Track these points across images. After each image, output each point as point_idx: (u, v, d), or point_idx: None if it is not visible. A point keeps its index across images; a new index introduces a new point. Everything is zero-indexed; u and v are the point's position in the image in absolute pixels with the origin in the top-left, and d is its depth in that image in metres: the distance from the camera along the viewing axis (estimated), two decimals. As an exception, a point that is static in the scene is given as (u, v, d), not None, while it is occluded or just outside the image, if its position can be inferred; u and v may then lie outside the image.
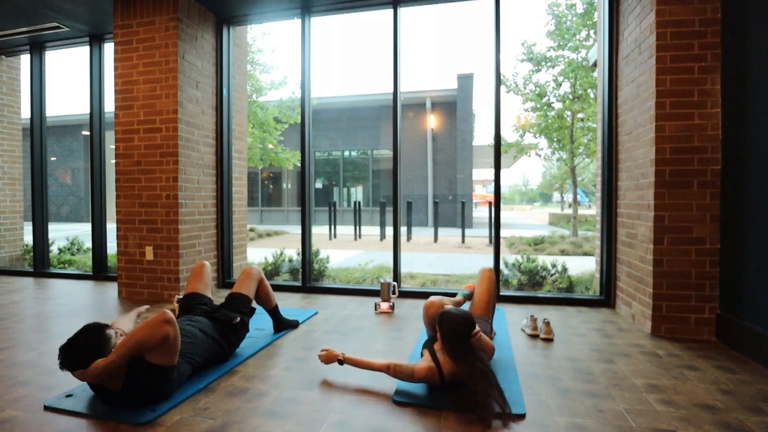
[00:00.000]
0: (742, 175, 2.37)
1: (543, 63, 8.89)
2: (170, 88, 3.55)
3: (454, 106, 14.59)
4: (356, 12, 3.87)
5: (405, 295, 3.69)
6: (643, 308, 2.78)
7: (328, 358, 2.02)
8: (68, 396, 1.81)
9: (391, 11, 3.69)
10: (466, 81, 14.44)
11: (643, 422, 1.62)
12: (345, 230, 11.47)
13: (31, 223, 4.91)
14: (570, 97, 8.63)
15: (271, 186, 17.59)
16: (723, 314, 2.51)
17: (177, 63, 3.53)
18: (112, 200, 4.10)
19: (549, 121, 8.85)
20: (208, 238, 3.98)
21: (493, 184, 3.83)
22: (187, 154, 3.66)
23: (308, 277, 3.98)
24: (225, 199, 4.12)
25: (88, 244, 5.42)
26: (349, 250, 8.11)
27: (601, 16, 3.39)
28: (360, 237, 10.33)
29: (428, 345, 1.95)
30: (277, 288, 3.97)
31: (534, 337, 2.64)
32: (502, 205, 4.39)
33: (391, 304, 3.21)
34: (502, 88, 4.82)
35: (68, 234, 7.76)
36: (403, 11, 3.71)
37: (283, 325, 2.74)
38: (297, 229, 6.80)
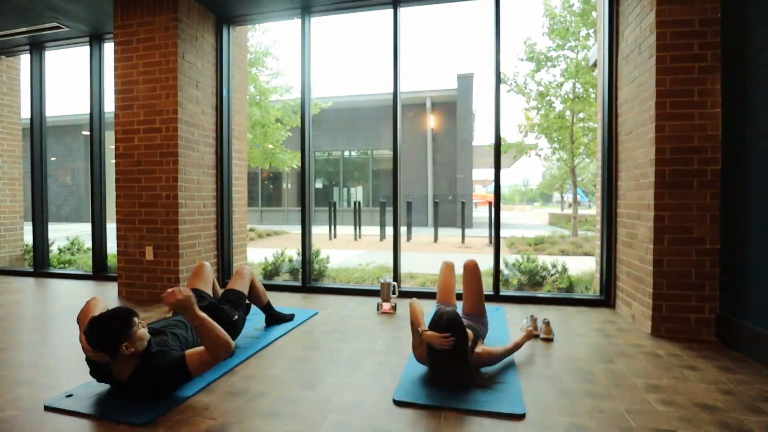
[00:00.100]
0: (742, 175, 2.37)
1: (544, 62, 8.89)
2: (170, 88, 3.55)
3: (454, 106, 14.59)
4: (356, 12, 3.87)
5: (405, 295, 3.69)
6: (643, 308, 2.78)
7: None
8: (68, 396, 1.81)
9: (391, 11, 3.69)
10: (466, 81, 14.44)
11: (643, 422, 1.62)
12: (345, 230, 11.47)
13: (31, 223, 4.91)
14: (570, 96, 8.63)
15: (271, 186, 17.58)
16: (723, 314, 2.51)
17: (177, 63, 3.53)
18: (112, 200, 4.10)
19: (550, 120, 8.85)
20: (208, 238, 3.98)
21: (493, 184, 3.83)
22: (187, 154, 3.66)
23: (308, 277, 3.98)
24: (225, 199, 4.12)
25: (88, 244, 5.41)
26: (349, 250, 8.10)
27: (601, 16, 3.39)
28: (360, 237, 10.33)
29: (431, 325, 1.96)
30: (277, 288, 3.98)
31: (534, 337, 2.63)
32: (502, 205, 4.39)
33: (393, 304, 3.21)
34: (503, 88, 4.81)
35: (68, 234, 7.76)
36: (403, 11, 3.71)
37: (275, 319, 2.80)
38: (297, 229, 6.78)
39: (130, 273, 3.72)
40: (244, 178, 4.57)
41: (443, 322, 1.87)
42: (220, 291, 2.59)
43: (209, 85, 3.97)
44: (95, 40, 4.43)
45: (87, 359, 1.77)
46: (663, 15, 2.60)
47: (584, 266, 4.90)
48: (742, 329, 2.32)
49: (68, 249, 5.90)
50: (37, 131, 4.85)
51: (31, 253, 5.08)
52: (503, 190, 25.35)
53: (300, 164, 4.65)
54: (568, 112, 8.82)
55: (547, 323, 2.61)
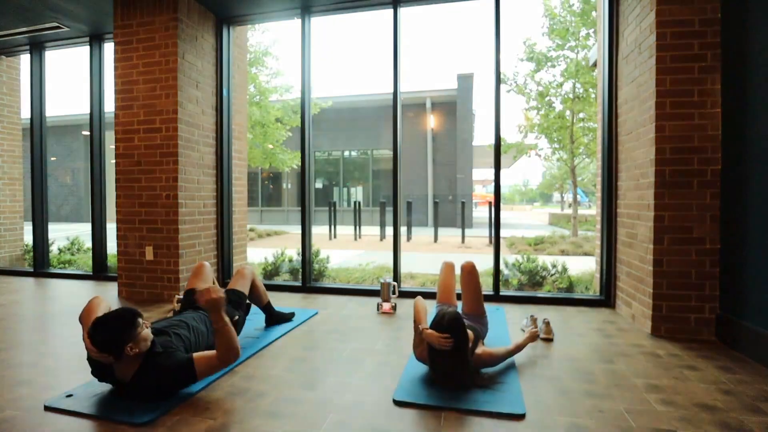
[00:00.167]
0: (742, 175, 2.37)
1: (543, 63, 8.88)
2: (170, 88, 3.55)
3: (454, 106, 14.59)
4: (356, 12, 3.87)
5: (405, 295, 3.69)
6: (643, 308, 2.78)
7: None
8: (68, 396, 1.81)
9: (391, 11, 3.69)
10: (466, 81, 14.44)
11: (643, 422, 1.62)
12: (345, 230, 11.47)
13: (31, 223, 4.91)
14: (570, 97, 8.63)
15: (271, 186, 17.58)
16: (723, 314, 2.51)
17: (177, 63, 3.53)
18: (112, 200, 4.10)
19: (550, 120, 8.85)
20: (208, 238, 3.98)
21: (493, 184, 3.83)
22: (187, 154, 3.66)
23: (308, 277, 3.98)
24: (225, 199, 4.12)
25: (88, 244, 5.41)
26: (349, 250, 8.10)
27: (601, 16, 3.39)
28: (360, 237, 10.33)
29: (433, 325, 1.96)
30: (277, 288, 3.98)
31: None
32: (502, 205, 4.39)
33: (393, 304, 3.21)
34: (503, 88, 4.81)
35: (68, 234, 7.76)
36: (403, 11, 3.71)
37: (275, 319, 2.80)
38: (297, 229, 6.78)
39: (130, 273, 3.72)
40: (244, 178, 4.57)
41: (444, 322, 1.87)
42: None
43: (209, 85, 3.97)
44: (95, 40, 4.43)
45: (89, 359, 1.76)
46: (663, 15, 2.60)
47: (584, 266, 4.90)
48: (742, 329, 2.32)
49: (68, 249, 5.90)
50: (37, 131, 4.85)
51: (31, 253, 5.08)
52: (503, 190, 25.35)
53: (300, 164, 4.65)
54: (568, 112, 8.82)
55: (547, 323, 2.61)
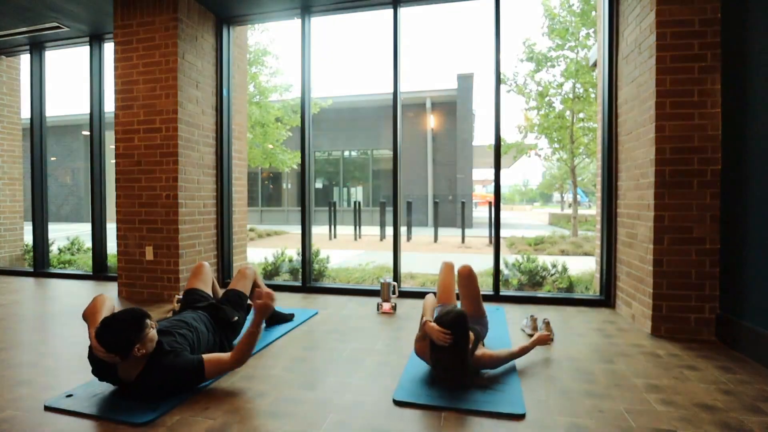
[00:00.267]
0: (742, 175, 2.37)
1: (543, 63, 8.89)
2: (170, 88, 3.55)
3: (454, 106, 14.59)
4: (356, 12, 3.87)
5: (405, 295, 3.69)
6: (643, 308, 2.78)
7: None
8: (68, 396, 1.81)
9: (391, 11, 3.69)
10: (466, 81, 14.44)
11: (643, 422, 1.62)
12: (345, 230, 11.47)
13: (31, 223, 4.91)
14: (570, 97, 8.63)
15: (271, 186, 17.59)
16: (723, 314, 2.51)
17: (177, 63, 3.53)
18: (112, 200, 4.10)
19: (550, 120, 8.85)
20: (208, 238, 3.98)
21: (493, 184, 3.83)
22: (187, 154, 3.66)
23: (308, 277, 3.98)
24: (225, 199, 4.12)
25: (88, 244, 5.42)
26: (349, 250, 8.10)
27: (601, 16, 3.39)
28: (360, 237, 10.33)
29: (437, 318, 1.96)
30: (277, 288, 3.97)
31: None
32: (502, 205, 4.39)
33: (393, 304, 3.21)
34: (503, 88, 4.81)
35: (68, 234, 7.76)
36: (403, 11, 3.71)
37: (275, 319, 2.81)
38: (297, 229, 6.78)
39: (130, 273, 3.72)
40: (244, 178, 4.57)
41: (448, 318, 1.87)
42: (220, 291, 2.59)
43: (209, 85, 3.97)
44: (95, 40, 4.43)
45: (90, 357, 1.76)
46: (663, 15, 2.60)
47: (584, 266, 4.90)
48: (742, 329, 2.32)
49: (68, 249, 5.90)
50: (37, 131, 4.85)
51: (31, 253, 5.08)
52: (503, 190, 25.36)
53: (300, 164, 4.65)
54: (568, 112, 8.82)
55: (547, 323, 2.61)
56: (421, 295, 3.68)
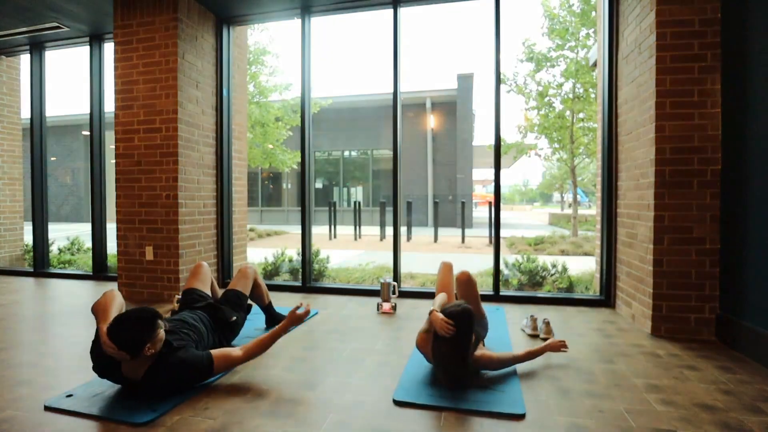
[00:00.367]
0: (742, 175, 2.37)
1: (543, 63, 8.89)
2: (170, 88, 3.55)
3: (454, 106, 14.59)
4: (356, 12, 3.87)
5: (405, 295, 3.69)
6: (643, 308, 2.78)
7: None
8: (68, 396, 1.81)
9: (391, 11, 3.69)
10: (466, 81, 14.44)
11: (643, 422, 1.62)
12: (345, 230, 11.47)
13: (31, 223, 4.91)
14: (570, 97, 8.63)
15: (271, 186, 17.59)
16: (723, 314, 2.51)
17: (177, 63, 3.53)
18: (112, 200, 4.10)
19: (550, 120, 8.85)
20: (208, 238, 3.98)
21: (493, 184, 3.83)
22: (187, 154, 3.66)
23: (308, 277, 3.98)
24: (225, 199, 4.12)
25: (88, 244, 5.41)
26: (349, 250, 8.10)
27: (601, 16, 3.39)
28: (360, 237, 10.33)
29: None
30: (277, 288, 3.98)
31: (534, 337, 2.64)
32: (502, 205, 4.39)
33: (393, 304, 3.21)
34: (503, 88, 4.81)
35: (68, 234, 7.76)
36: (403, 11, 3.71)
37: (276, 321, 2.79)
38: (297, 229, 6.78)
39: (130, 273, 3.72)
40: (244, 178, 4.57)
41: (454, 310, 1.88)
42: (220, 291, 2.59)
43: (209, 85, 3.97)
44: (95, 40, 4.43)
45: (94, 353, 1.77)
46: (663, 15, 2.60)
47: (584, 266, 4.90)
48: (742, 329, 2.32)
49: (68, 249, 5.90)
50: (37, 131, 4.85)
51: (31, 253, 5.08)
52: (503, 190, 25.36)
53: (300, 164, 4.65)
54: (568, 112, 8.82)
55: (547, 323, 2.61)
56: (421, 295, 3.68)
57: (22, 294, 3.83)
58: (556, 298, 3.50)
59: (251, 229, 10.87)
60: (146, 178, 3.63)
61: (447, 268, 2.61)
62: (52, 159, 17.76)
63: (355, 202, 11.28)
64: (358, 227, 10.49)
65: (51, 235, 5.24)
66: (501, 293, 3.55)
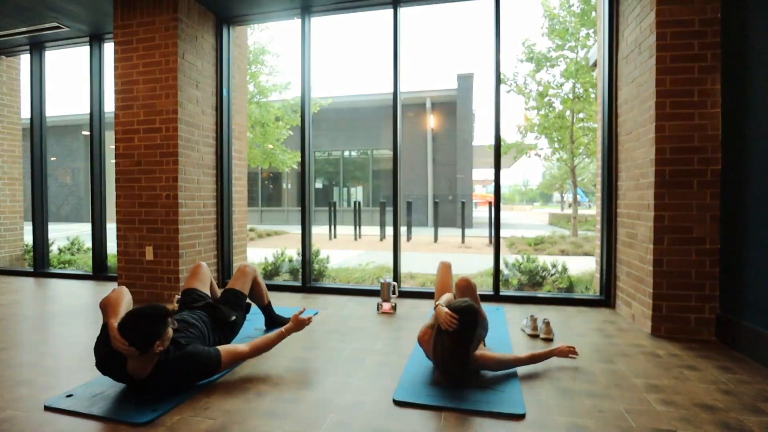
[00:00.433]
0: (742, 175, 2.37)
1: (543, 63, 8.89)
2: (170, 88, 3.55)
3: (454, 106, 14.59)
4: (356, 12, 3.87)
5: (405, 295, 3.69)
6: (643, 308, 2.78)
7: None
8: (68, 396, 1.81)
9: (391, 11, 3.70)
10: (466, 81, 14.44)
11: (643, 422, 1.62)
12: (345, 230, 11.47)
13: (31, 223, 4.91)
14: (570, 97, 8.63)
15: (271, 186, 17.59)
16: (723, 314, 2.51)
17: (177, 63, 3.53)
18: (112, 200, 4.10)
19: (550, 120, 8.85)
20: (208, 238, 3.98)
21: (493, 184, 3.83)
22: (187, 154, 3.66)
23: (308, 277, 3.98)
24: (225, 199, 4.12)
25: (88, 244, 5.42)
26: (349, 250, 8.10)
27: (601, 16, 3.39)
28: (360, 237, 10.33)
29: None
30: (277, 288, 3.98)
31: (534, 337, 2.64)
32: (502, 205, 4.39)
33: (393, 304, 3.21)
34: (503, 88, 4.82)
35: (68, 234, 7.76)
36: (403, 11, 3.71)
37: (275, 322, 2.78)
38: (297, 229, 6.79)
39: (130, 273, 3.72)
40: (244, 178, 4.57)
41: (459, 306, 1.89)
42: (219, 291, 2.58)
43: (209, 85, 3.97)
44: (95, 40, 4.43)
45: (99, 349, 1.78)
46: (663, 15, 2.60)
47: (584, 266, 4.90)
48: (742, 329, 2.32)
49: (68, 249, 5.90)
50: (37, 131, 4.85)
51: (31, 253, 5.08)
52: (503, 190, 25.36)
53: (300, 164, 4.65)
54: (568, 112, 8.82)
55: (547, 323, 2.61)
56: (421, 295, 3.69)
57: (22, 294, 3.84)
58: (556, 298, 3.50)
59: (251, 229, 10.87)
60: (146, 178, 3.63)
61: (446, 268, 2.61)
62: (52, 159, 17.76)
63: (355, 202, 11.28)
64: (358, 227, 10.49)
65: (51, 235, 5.24)
66: (501, 293, 3.55)
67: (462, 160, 14.58)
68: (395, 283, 3.35)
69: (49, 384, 1.96)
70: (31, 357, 2.30)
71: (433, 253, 7.58)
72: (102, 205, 4.53)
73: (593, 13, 8.04)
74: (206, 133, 3.93)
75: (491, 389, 1.87)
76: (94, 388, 1.88)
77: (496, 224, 3.62)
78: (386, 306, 3.20)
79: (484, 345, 2.13)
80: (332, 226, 10.42)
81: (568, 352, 2.14)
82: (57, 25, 4.15)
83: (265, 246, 8.49)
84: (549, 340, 2.57)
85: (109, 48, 4.43)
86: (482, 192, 34.04)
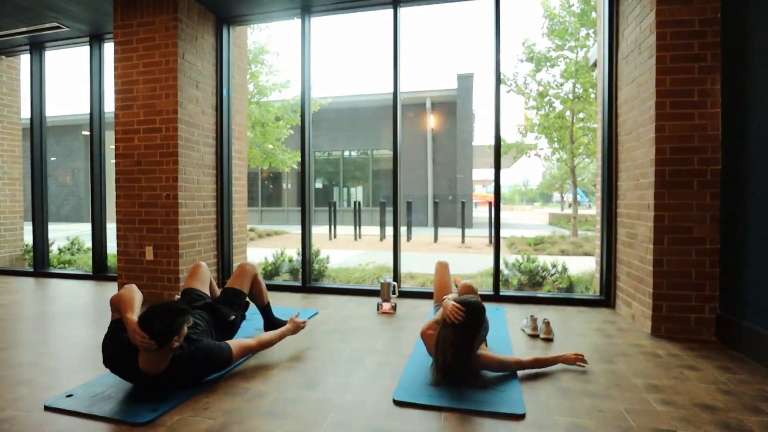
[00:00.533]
0: (742, 175, 2.37)
1: (543, 63, 8.89)
2: (170, 88, 3.55)
3: (454, 106, 14.59)
4: (356, 12, 3.87)
5: (405, 295, 3.69)
6: (643, 308, 2.78)
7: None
8: (68, 396, 1.81)
9: (391, 11, 3.69)
10: (466, 81, 14.43)
11: (643, 422, 1.62)
12: (345, 230, 11.47)
13: (31, 223, 4.91)
14: (570, 97, 8.63)
15: (271, 186, 17.58)
16: (723, 314, 2.51)
17: (177, 63, 3.53)
18: (112, 200, 4.10)
19: (550, 120, 8.85)
20: (208, 238, 3.98)
21: (493, 184, 3.83)
22: (187, 154, 3.66)
23: (308, 277, 3.98)
24: (225, 199, 4.12)
25: (88, 244, 5.42)
26: (349, 250, 8.10)
27: (601, 16, 3.39)
28: (360, 237, 10.33)
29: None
30: (277, 288, 3.98)
31: (534, 337, 2.64)
32: (502, 205, 4.39)
33: (392, 304, 3.21)
34: (503, 88, 4.82)
35: (68, 234, 7.76)
36: (403, 11, 3.71)
37: (273, 325, 2.73)
38: (297, 229, 6.79)
39: (130, 273, 3.71)
40: (244, 178, 4.57)
41: (467, 300, 1.90)
42: (218, 291, 2.58)
43: (209, 85, 3.97)
44: (95, 40, 4.43)
45: (106, 346, 1.79)
46: (663, 15, 2.60)
47: (584, 266, 4.89)
48: (742, 329, 2.32)
49: (68, 249, 5.90)
50: (37, 131, 4.85)
51: (31, 253, 5.08)
52: (503, 190, 25.36)
53: (300, 164, 4.65)
54: (568, 112, 8.82)
55: (547, 323, 2.61)
56: (421, 295, 3.68)
57: (22, 294, 3.84)
58: (556, 298, 3.50)
59: (251, 229, 10.87)
60: (146, 178, 3.63)
61: (444, 267, 2.61)
62: (52, 159, 17.76)
63: (355, 202, 11.28)
64: (358, 227, 10.49)
65: (51, 235, 5.24)
66: (501, 293, 3.55)
67: (462, 160, 14.57)
68: (395, 283, 3.35)
69: (49, 384, 1.96)
70: (31, 357, 2.30)
71: (433, 253, 7.58)
72: (102, 205, 4.53)
73: (593, 13, 8.04)
74: (206, 133, 3.93)
75: (491, 389, 1.87)
76: (94, 388, 1.88)
77: (496, 224, 3.62)
78: (386, 306, 3.20)
79: (486, 345, 2.13)
80: (332, 226, 10.42)
81: (576, 360, 2.11)
82: (57, 25, 4.15)
83: (265, 246, 8.49)
84: (549, 340, 2.57)
85: (109, 48, 4.43)
86: (482, 192, 34.03)
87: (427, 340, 2.03)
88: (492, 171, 9.20)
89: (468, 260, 6.80)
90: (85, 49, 4.51)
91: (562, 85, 8.79)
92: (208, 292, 2.46)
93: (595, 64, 4.32)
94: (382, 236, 10.24)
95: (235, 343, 2.01)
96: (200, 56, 3.83)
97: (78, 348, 2.43)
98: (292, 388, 1.92)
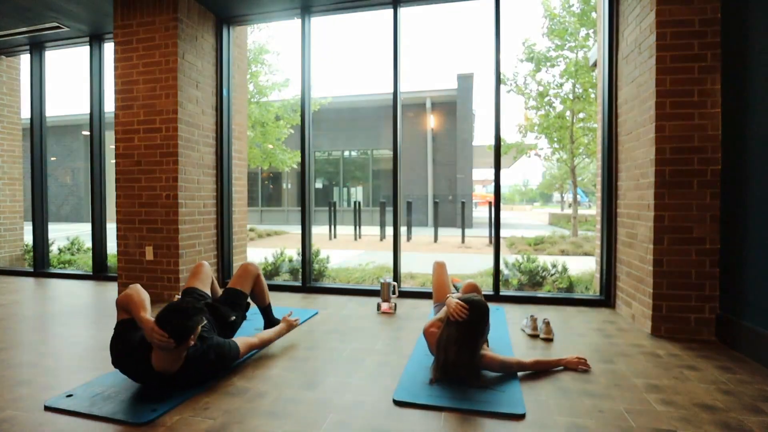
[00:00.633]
0: (742, 175, 2.37)
1: (543, 63, 8.89)
2: (170, 88, 3.55)
3: (454, 106, 14.59)
4: (356, 12, 3.87)
5: (405, 295, 3.69)
6: (643, 308, 2.78)
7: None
8: (68, 396, 1.81)
9: (391, 11, 3.70)
10: (466, 81, 14.43)
11: (643, 422, 1.62)
12: (345, 230, 11.47)
13: (31, 223, 4.91)
14: (570, 97, 8.63)
15: (271, 186, 17.58)
16: (723, 314, 2.51)
17: (177, 63, 3.53)
18: (112, 200, 4.10)
19: (550, 120, 8.85)
20: (208, 238, 3.98)
21: (493, 184, 3.83)
22: (187, 154, 3.66)
23: (308, 277, 3.98)
24: (225, 199, 4.12)
25: (88, 244, 5.42)
26: (349, 250, 8.10)
27: (601, 16, 3.39)
28: (360, 237, 10.33)
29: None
30: (277, 288, 3.98)
31: (534, 337, 2.64)
32: (502, 205, 4.39)
33: (392, 304, 3.21)
34: (503, 88, 4.81)
35: (68, 234, 7.76)
36: (403, 11, 3.71)
37: (273, 325, 2.72)
38: (297, 229, 6.79)
39: (130, 273, 3.71)
40: (244, 178, 4.57)
41: (472, 298, 1.91)
42: (220, 291, 2.58)
43: (209, 85, 3.97)
44: (95, 40, 4.43)
45: (115, 346, 1.80)
46: (663, 15, 2.60)
47: (584, 266, 4.89)
48: (742, 329, 2.32)
49: (68, 249, 5.90)
50: (37, 131, 4.85)
51: (31, 253, 5.08)
52: (503, 190, 25.36)
53: (300, 164, 4.65)
54: (568, 112, 8.82)
55: (546, 323, 2.61)
56: (421, 295, 3.68)
57: (22, 294, 3.84)
58: (556, 298, 3.50)
59: (251, 229, 10.87)
60: (146, 178, 3.63)
61: (441, 267, 2.61)
62: (52, 159, 17.76)
63: (355, 202, 11.28)
64: (358, 227, 10.49)
65: (51, 235, 5.24)
66: (501, 293, 3.55)
67: (462, 160, 14.57)
68: (395, 283, 3.35)
69: (49, 384, 1.96)
70: (31, 357, 2.30)
71: (433, 253, 7.58)
72: (102, 205, 4.53)
73: (593, 14, 8.04)
74: (206, 133, 3.93)
75: (491, 389, 1.87)
76: (94, 388, 1.88)
77: (496, 224, 3.62)
78: (386, 306, 3.20)
79: (488, 346, 2.13)
80: (332, 226, 10.42)
81: (578, 364, 2.10)
82: (57, 25, 4.15)
83: (265, 246, 8.49)
84: (549, 340, 2.57)
85: (109, 48, 4.43)
86: (482, 192, 34.03)
87: (430, 337, 2.03)
88: (492, 171, 9.21)
89: (468, 260, 6.80)
90: (85, 49, 4.51)
91: (562, 85, 8.78)
92: (209, 292, 2.46)
93: (595, 64, 4.32)
94: (382, 236, 10.24)
95: (241, 340, 2.08)
96: (200, 56, 3.83)
97: (78, 348, 2.43)
98: (292, 388, 1.92)
